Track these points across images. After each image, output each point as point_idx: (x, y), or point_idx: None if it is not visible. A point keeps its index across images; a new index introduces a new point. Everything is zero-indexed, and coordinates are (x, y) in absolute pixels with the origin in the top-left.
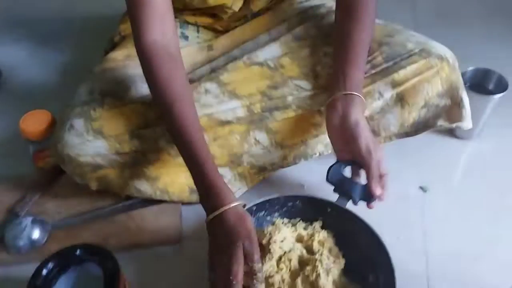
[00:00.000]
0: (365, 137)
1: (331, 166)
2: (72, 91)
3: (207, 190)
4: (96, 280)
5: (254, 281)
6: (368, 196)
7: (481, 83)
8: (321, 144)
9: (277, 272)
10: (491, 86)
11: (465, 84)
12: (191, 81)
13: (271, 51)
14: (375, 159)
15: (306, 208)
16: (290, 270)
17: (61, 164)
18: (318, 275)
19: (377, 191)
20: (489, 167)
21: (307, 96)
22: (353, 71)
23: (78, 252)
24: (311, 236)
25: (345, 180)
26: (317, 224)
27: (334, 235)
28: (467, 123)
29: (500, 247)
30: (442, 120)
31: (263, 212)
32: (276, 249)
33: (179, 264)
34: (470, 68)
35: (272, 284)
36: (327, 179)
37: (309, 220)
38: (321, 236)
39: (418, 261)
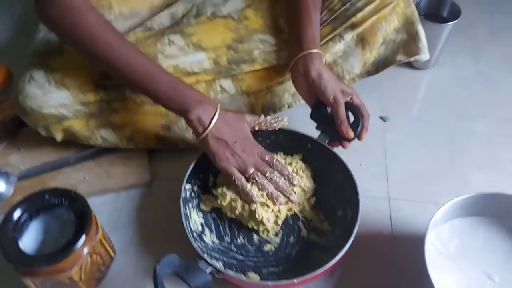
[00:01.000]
0: (331, 87)
1: (315, 104)
2: (26, 43)
3: (199, 100)
4: (69, 223)
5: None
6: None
7: (435, 12)
8: (288, 94)
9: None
10: (445, 14)
11: (419, 13)
12: (151, 30)
13: (234, 4)
14: (341, 105)
15: (288, 142)
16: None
17: (23, 117)
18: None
19: (348, 134)
20: (446, 93)
21: (273, 51)
22: (306, 28)
23: (46, 196)
24: (289, 163)
25: (328, 118)
26: (297, 157)
27: (312, 169)
28: (424, 55)
29: (454, 166)
30: (401, 55)
31: None
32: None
33: (150, 205)
34: None
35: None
36: (311, 116)
37: (290, 154)
38: (298, 166)
39: (380, 184)
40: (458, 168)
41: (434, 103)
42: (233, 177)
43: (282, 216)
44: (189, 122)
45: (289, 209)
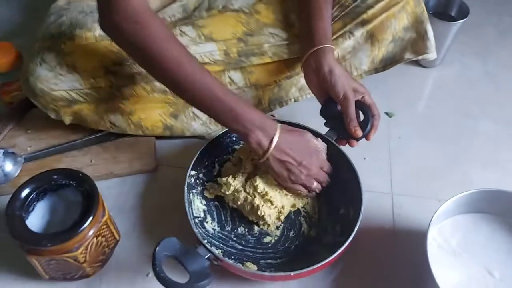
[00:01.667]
0: (341, 84)
1: (326, 100)
2: (35, 26)
3: (259, 124)
4: (75, 205)
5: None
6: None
7: (444, 11)
8: (295, 88)
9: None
10: (453, 13)
11: (428, 11)
12: None
13: None
14: (351, 103)
15: None
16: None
17: (33, 99)
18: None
19: (356, 133)
20: (452, 92)
21: (283, 45)
22: (318, 23)
23: (54, 176)
24: None
25: (337, 115)
26: None
27: None
28: (432, 54)
29: (458, 164)
30: (409, 53)
31: None
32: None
33: (155, 191)
34: None
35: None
36: (321, 112)
37: None
38: None
39: (383, 179)
40: (462, 166)
41: (440, 101)
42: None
43: (286, 212)
44: (249, 145)
45: (293, 205)
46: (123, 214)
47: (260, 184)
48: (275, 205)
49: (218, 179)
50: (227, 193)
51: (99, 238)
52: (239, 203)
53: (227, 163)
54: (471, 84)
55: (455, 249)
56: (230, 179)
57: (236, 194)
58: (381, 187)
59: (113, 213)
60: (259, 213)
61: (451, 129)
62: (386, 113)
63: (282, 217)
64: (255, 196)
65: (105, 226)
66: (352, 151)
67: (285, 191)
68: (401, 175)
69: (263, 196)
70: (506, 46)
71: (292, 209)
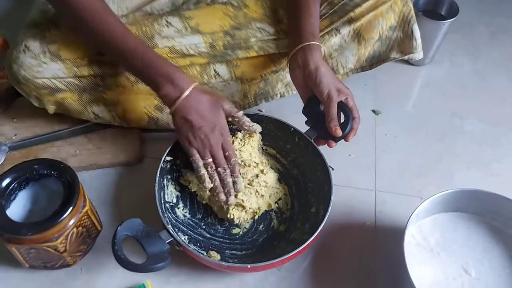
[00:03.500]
0: (326, 83)
1: (309, 99)
2: (23, 13)
3: (169, 76)
4: (57, 195)
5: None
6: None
7: (434, 9)
8: (281, 83)
9: None
10: (443, 12)
11: (418, 10)
12: (151, 15)
13: None
14: (334, 103)
15: (277, 133)
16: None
17: (17, 86)
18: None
19: (336, 132)
20: (440, 91)
21: (270, 40)
22: (306, 20)
23: (36, 166)
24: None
25: (319, 115)
26: (264, 157)
27: (297, 164)
28: (418, 54)
29: (442, 163)
30: (395, 53)
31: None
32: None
33: (139, 183)
34: None
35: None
36: (303, 111)
37: (277, 144)
38: (263, 161)
39: (367, 176)
40: (446, 165)
41: (427, 99)
42: (192, 158)
43: (261, 212)
44: (158, 95)
45: (269, 206)
46: (106, 204)
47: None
48: (247, 208)
49: (187, 173)
50: (192, 190)
51: (80, 228)
52: (204, 202)
53: None
54: (460, 83)
55: (433, 247)
56: (192, 176)
57: (201, 193)
58: (365, 183)
59: (96, 203)
60: (228, 216)
61: (438, 128)
62: (373, 111)
63: (257, 217)
64: None
65: (86, 217)
66: (338, 147)
67: (261, 193)
68: (385, 172)
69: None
70: (497, 46)
71: (268, 209)
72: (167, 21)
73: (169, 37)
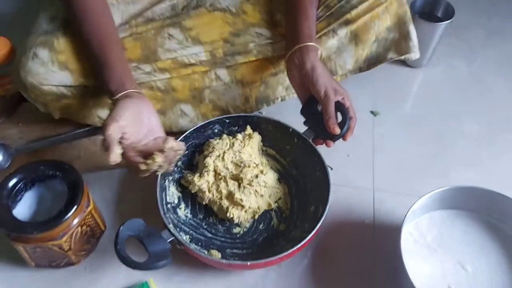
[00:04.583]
0: (323, 82)
1: (307, 99)
2: (28, 18)
3: (120, 73)
4: (62, 195)
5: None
6: (331, 135)
7: (430, 12)
8: (282, 87)
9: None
10: (439, 14)
11: (415, 13)
12: (152, 20)
13: None
14: (331, 102)
15: (277, 134)
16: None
17: (23, 92)
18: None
19: (334, 130)
20: (437, 92)
21: (267, 44)
22: (303, 22)
23: (41, 167)
24: (255, 164)
25: (317, 115)
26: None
27: (296, 164)
28: (415, 54)
29: (440, 163)
30: (392, 53)
31: (236, 127)
32: (210, 163)
33: (143, 184)
34: None
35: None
36: (301, 111)
37: (277, 145)
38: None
39: (366, 176)
40: (443, 165)
41: (424, 101)
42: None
43: (261, 212)
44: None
45: (268, 205)
46: (110, 205)
47: (236, 192)
48: (247, 207)
49: (188, 174)
50: (192, 191)
51: (84, 227)
52: (204, 203)
53: (201, 156)
54: (457, 85)
55: (430, 244)
56: (195, 178)
57: (200, 194)
58: (364, 183)
59: (100, 204)
60: (228, 214)
61: (435, 129)
62: (372, 112)
63: (257, 216)
64: (221, 199)
65: (90, 216)
66: (336, 148)
67: (261, 193)
68: (384, 172)
69: (232, 200)
70: (493, 47)
71: (267, 209)
72: (168, 34)
73: (171, 49)
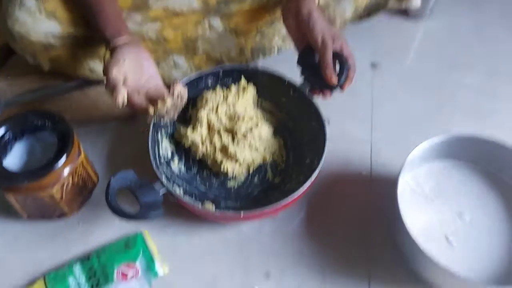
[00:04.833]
0: (320, 28)
1: (303, 49)
2: None
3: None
4: (52, 146)
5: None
6: (327, 86)
7: None
8: (278, 36)
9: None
10: None
11: None
12: None
13: None
14: (329, 49)
15: (273, 86)
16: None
17: (11, 42)
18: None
19: (331, 79)
20: (439, 45)
21: None
22: None
23: (29, 117)
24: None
25: (313, 65)
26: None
27: (292, 117)
28: (415, 2)
29: (440, 115)
30: (393, 1)
31: (230, 79)
32: (203, 116)
33: (134, 137)
34: None
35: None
36: (297, 62)
37: (272, 97)
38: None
39: (364, 127)
40: (444, 117)
41: (426, 53)
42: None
43: (256, 165)
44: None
45: (264, 158)
46: (102, 159)
47: (230, 145)
48: (241, 160)
49: (181, 128)
50: (186, 145)
51: (76, 178)
52: (197, 157)
53: (194, 109)
54: (459, 37)
55: (427, 194)
56: (188, 131)
57: (194, 148)
58: (361, 134)
59: (93, 158)
60: (221, 168)
61: (435, 81)
62: (372, 64)
63: (252, 169)
64: (215, 152)
65: (81, 167)
66: (335, 99)
67: (255, 146)
68: (382, 123)
69: (226, 153)
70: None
71: (262, 162)
72: None
73: None
